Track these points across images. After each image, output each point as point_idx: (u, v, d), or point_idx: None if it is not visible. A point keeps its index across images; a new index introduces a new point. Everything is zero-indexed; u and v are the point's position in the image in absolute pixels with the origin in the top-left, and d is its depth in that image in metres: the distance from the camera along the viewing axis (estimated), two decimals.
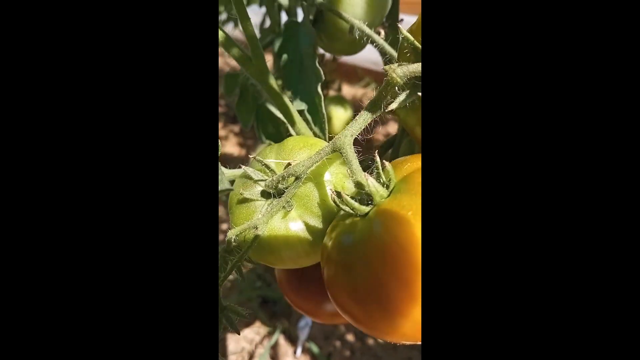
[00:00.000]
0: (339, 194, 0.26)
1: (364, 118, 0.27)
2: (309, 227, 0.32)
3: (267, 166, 0.33)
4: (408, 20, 0.57)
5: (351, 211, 0.26)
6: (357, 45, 0.43)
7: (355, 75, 1.60)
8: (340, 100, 0.91)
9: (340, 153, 0.26)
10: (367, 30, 0.38)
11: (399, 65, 0.24)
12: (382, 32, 0.48)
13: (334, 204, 0.30)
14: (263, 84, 0.39)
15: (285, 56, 0.47)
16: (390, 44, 0.48)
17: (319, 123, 0.43)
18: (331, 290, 0.26)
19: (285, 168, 0.30)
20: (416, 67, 0.24)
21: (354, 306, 0.24)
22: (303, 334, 1.12)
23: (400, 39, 0.25)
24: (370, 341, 1.17)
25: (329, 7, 0.40)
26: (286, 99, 0.41)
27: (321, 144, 0.34)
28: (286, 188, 0.30)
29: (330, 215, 0.31)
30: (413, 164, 0.26)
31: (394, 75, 0.24)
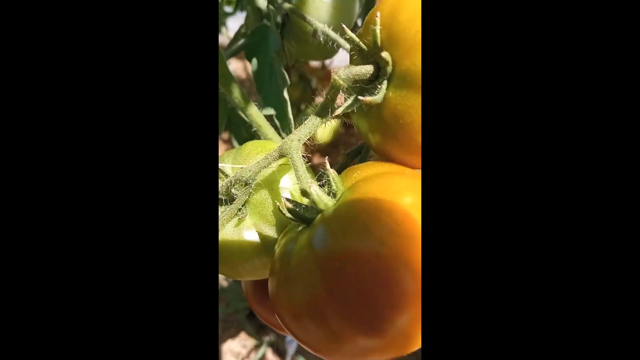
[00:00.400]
0: (289, 201, 0.25)
1: (313, 122, 0.26)
2: (264, 237, 0.30)
3: (222, 171, 0.32)
4: None
5: (297, 220, 0.24)
6: (326, 50, 0.42)
7: None
8: None
9: (288, 158, 0.25)
10: (331, 33, 0.37)
11: (343, 68, 0.23)
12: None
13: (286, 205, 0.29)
14: (226, 90, 0.38)
15: (255, 60, 0.46)
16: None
17: (287, 128, 0.42)
18: (274, 304, 0.24)
19: (234, 168, 0.29)
20: (359, 70, 0.23)
21: (292, 322, 0.23)
22: (291, 348, 1.10)
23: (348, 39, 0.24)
24: None
25: (294, 10, 0.40)
26: (252, 105, 0.40)
27: None
28: (235, 186, 0.29)
29: (286, 224, 0.30)
30: (362, 172, 0.25)
31: (337, 77, 0.23)
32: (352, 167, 0.27)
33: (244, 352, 1.15)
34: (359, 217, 0.21)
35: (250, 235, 0.31)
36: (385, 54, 0.22)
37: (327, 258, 0.21)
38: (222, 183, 0.29)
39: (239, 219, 0.30)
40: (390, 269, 0.20)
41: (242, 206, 0.30)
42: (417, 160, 0.24)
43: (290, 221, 0.28)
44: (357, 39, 0.24)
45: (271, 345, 1.16)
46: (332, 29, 0.39)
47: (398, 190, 0.22)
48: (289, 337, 1.12)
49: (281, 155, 0.26)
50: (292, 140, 0.25)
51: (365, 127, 0.26)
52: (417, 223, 0.20)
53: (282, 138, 0.42)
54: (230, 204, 0.30)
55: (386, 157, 0.26)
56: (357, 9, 0.43)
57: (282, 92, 0.40)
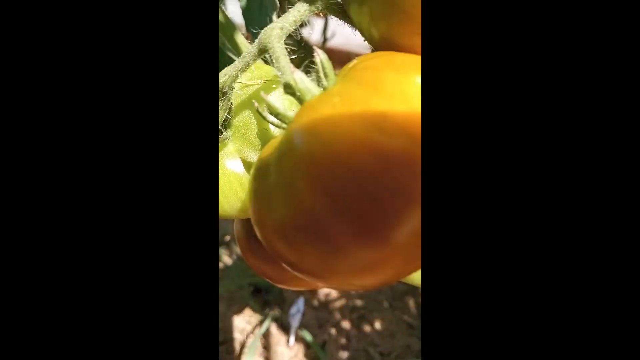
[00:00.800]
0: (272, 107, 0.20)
1: (299, 9, 0.21)
2: (249, 164, 0.26)
3: None
4: None
5: (279, 122, 0.20)
6: None
7: (349, 61, 1.53)
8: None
9: (267, 51, 0.21)
10: None
11: None
12: None
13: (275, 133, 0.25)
14: (228, 39, 0.34)
15: None
16: None
17: None
18: (258, 230, 0.20)
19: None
20: None
21: (282, 243, 0.18)
22: (295, 322, 1.07)
23: None
24: (367, 328, 1.11)
25: None
26: (239, 36, 0.36)
27: (266, 67, 0.28)
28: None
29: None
30: (359, 61, 0.20)
31: None
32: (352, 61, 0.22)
33: (248, 327, 1.13)
34: (355, 101, 0.16)
35: (234, 163, 0.27)
36: None
37: (318, 154, 0.16)
38: None
39: (220, 142, 0.26)
40: (395, 164, 0.16)
41: (223, 127, 0.26)
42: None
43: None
44: None
45: (275, 320, 1.14)
46: None
47: (403, 67, 0.17)
48: (292, 311, 1.09)
49: (261, 51, 0.21)
50: (274, 29, 0.20)
51: (367, 17, 0.21)
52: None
53: None
54: None
55: (394, 49, 0.21)
56: None
57: (271, 17, 0.36)
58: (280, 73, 0.20)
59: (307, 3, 0.21)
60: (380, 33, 0.21)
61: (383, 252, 0.16)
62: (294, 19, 0.21)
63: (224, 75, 0.22)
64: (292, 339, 1.09)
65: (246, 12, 0.42)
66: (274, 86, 0.26)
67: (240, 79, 0.27)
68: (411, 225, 0.16)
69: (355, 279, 0.18)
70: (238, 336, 1.11)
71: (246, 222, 0.34)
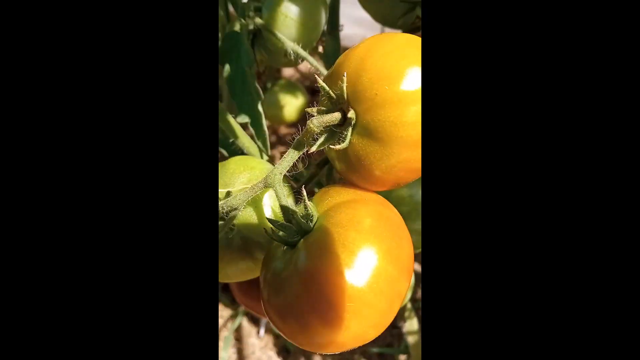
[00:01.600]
0: (272, 222, 0.30)
1: (291, 156, 0.30)
2: (249, 248, 0.35)
3: None
4: (348, 32, 0.59)
5: (282, 242, 0.30)
6: (297, 61, 0.46)
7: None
8: (292, 87, 0.93)
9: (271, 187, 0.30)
10: (301, 51, 0.41)
11: (316, 117, 0.27)
12: (320, 47, 0.51)
13: (270, 226, 0.34)
14: None
15: (227, 67, 0.49)
16: (330, 53, 0.51)
17: (262, 138, 0.46)
18: (264, 306, 0.30)
19: (225, 195, 0.34)
20: (330, 117, 0.27)
21: (279, 319, 0.29)
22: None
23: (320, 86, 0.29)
24: None
25: (265, 26, 0.42)
26: (229, 116, 0.44)
27: (261, 166, 0.37)
28: (226, 213, 0.34)
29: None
30: (332, 198, 0.30)
31: (312, 125, 0.27)
32: (324, 190, 0.32)
33: (220, 322, 1.22)
34: (329, 245, 0.26)
35: (237, 244, 0.36)
36: (351, 113, 0.27)
37: (306, 273, 0.26)
38: None
39: (227, 231, 0.35)
40: (345, 285, 0.26)
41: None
42: (374, 187, 0.30)
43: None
44: (327, 88, 0.28)
45: (246, 314, 1.24)
46: (301, 45, 0.43)
47: (359, 219, 0.27)
48: None
49: (266, 186, 0.30)
50: (275, 175, 0.30)
51: (333, 155, 0.31)
52: (375, 246, 0.26)
53: (257, 146, 0.46)
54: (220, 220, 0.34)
55: (348, 180, 0.31)
56: (324, 21, 0.46)
57: (257, 105, 0.44)
58: (282, 210, 0.29)
59: (296, 150, 0.30)
60: (340, 169, 0.31)
61: (340, 335, 0.26)
62: (288, 164, 0.30)
63: (238, 200, 0.31)
64: (262, 330, 1.20)
65: (230, 82, 0.49)
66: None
67: (241, 179, 0.36)
68: (357, 323, 0.26)
69: (320, 347, 0.28)
70: None
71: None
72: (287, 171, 0.31)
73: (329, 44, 0.50)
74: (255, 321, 1.23)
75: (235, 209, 0.32)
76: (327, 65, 0.51)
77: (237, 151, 0.47)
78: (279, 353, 1.20)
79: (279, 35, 0.41)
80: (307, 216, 0.29)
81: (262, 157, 0.46)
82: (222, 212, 0.33)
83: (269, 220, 0.30)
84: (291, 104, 0.92)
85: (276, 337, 1.20)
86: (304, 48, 0.43)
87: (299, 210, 0.30)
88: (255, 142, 0.46)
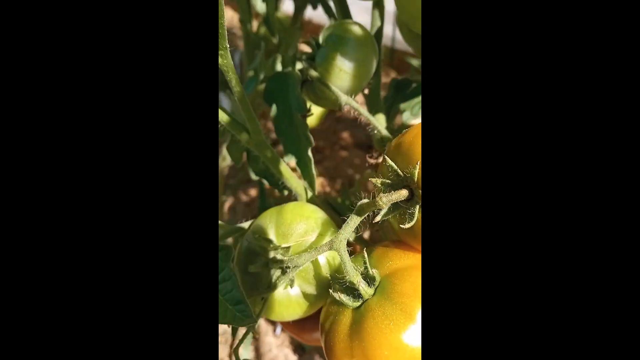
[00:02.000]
0: (335, 280, 0.33)
1: (354, 221, 0.33)
2: (306, 295, 0.39)
3: (268, 239, 0.39)
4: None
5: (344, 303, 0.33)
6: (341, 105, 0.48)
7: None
8: None
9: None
10: (354, 104, 0.43)
11: (385, 195, 0.30)
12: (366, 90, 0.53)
13: (326, 275, 0.37)
14: (261, 154, 0.44)
15: (274, 106, 0.51)
16: (373, 92, 0.53)
17: (309, 179, 0.49)
18: (325, 349, 0.33)
19: (285, 251, 0.37)
20: (398, 196, 0.30)
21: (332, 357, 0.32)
22: None
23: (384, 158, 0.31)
24: None
25: (320, 80, 0.45)
26: (281, 161, 0.46)
27: (315, 215, 0.40)
28: (287, 266, 0.37)
29: (323, 282, 0.38)
30: (394, 262, 0.33)
31: (380, 202, 0.30)
32: (383, 250, 0.35)
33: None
34: (394, 314, 0.30)
35: (295, 293, 0.39)
36: (418, 192, 0.30)
37: (371, 341, 0.30)
38: (273, 254, 0.37)
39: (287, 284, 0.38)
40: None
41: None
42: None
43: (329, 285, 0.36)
44: (395, 167, 0.31)
45: None
46: (352, 93, 0.45)
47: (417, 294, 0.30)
48: None
49: (330, 249, 0.33)
50: (341, 241, 0.32)
51: (393, 220, 0.34)
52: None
53: (305, 187, 0.48)
54: (278, 269, 0.37)
55: (406, 242, 0.34)
56: (374, 70, 0.49)
57: (307, 151, 0.47)
58: (346, 273, 0.32)
59: (358, 215, 0.33)
60: (396, 230, 0.34)
61: None
62: (351, 229, 0.33)
63: (302, 259, 0.34)
64: (278, 329, 1.25)
65: (277, 121, 0.52)
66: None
67: (298, 230, 0.39)
68: None
69: None
70: (228, 329, 1.25)
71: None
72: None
73: (372, 84, 0.53)
74: (271, 320, 1.27)
75: (299, 267, 0.35)
76: (370, 105, 0.54)
77: (278, 183, 0.50)
78: (294, 351, 1.25)
79: (334, 88, 0.44)
80: (368, 277, 0.32)
81: (306, 195, 0.49)
82: (285, 269, 0.36)
83: (333, 279, 0.33)
84: (313, 111, 0.94)
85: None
86: (352, 94, 0.46)
87: (356, 264, 0.33)
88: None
